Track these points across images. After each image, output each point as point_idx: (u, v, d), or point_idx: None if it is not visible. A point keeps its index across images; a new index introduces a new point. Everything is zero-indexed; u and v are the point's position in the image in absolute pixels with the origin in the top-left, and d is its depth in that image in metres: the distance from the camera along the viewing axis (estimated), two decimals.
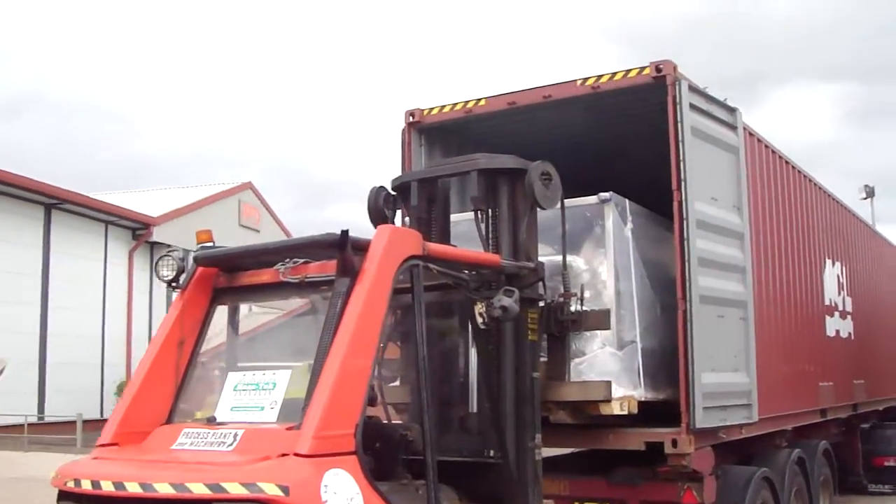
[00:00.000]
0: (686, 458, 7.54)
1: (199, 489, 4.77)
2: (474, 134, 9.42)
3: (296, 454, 4.93)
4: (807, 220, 11.34)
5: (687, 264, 7.67)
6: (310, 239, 5.71)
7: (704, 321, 7.79)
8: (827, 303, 12.11)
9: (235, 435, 5.29)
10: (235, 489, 4.72)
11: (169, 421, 5.98)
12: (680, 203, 7.71)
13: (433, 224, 7.42)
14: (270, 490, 4.71)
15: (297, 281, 5.84)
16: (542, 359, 7.43)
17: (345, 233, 5.44)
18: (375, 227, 7.37)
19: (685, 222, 7.71)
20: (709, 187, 8.17)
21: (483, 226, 7.15)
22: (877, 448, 14.97)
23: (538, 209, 7.09)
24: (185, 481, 4.83)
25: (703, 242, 7.90)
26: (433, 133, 9.38)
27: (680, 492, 7.89)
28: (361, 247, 5.60)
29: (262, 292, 6.31)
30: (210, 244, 6.33)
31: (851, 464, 14.54)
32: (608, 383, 7.41)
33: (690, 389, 7.56)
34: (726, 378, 8.18)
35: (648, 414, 7.88)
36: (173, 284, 6.34)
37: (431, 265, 5.89)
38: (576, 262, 7.95)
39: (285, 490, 4.72)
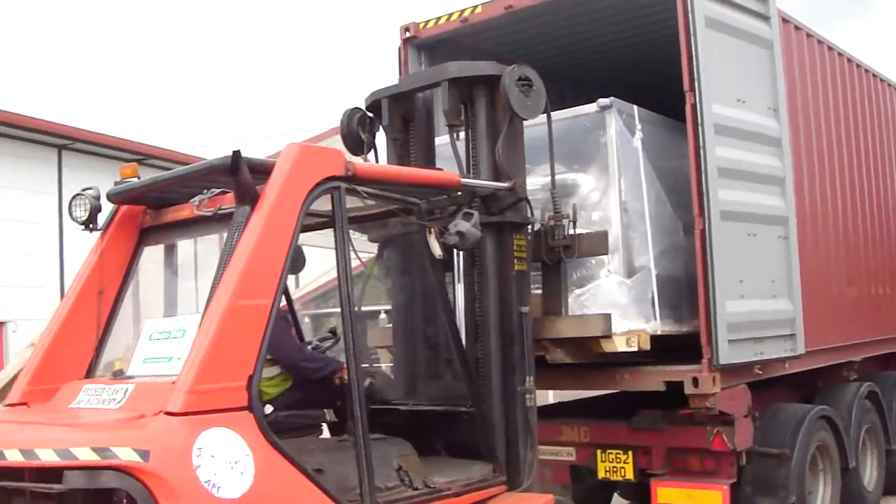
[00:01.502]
0: (710, 398, 6.53)
1: (47, 456, 4.03)
2: (475, 46, 8.36)
3: (166, 413, 4.15)
4: (878, 125, 10.05)
5: (703, 175, 6.60)
6: (207, 164, 4.86)
7: (729, 241, 6.74)
8: None
9: (126, 391, 4.55)
10: (86, 455, 3.96)
11: (88, 376, 5.27)
12: (693, 106, 6.63)
13: (411, 146, 6.57)
14: (126, 456, 3.94)
15: (211, 214, 5.02)
16: (535, 291, 6.53)
17: (236, 153, 4.58)
18: (353, 155, 6.59)
19: (700, 128, 6.62)
20: (733, 87, 7.05)
21: (464, 145, 6.31)
22: None
23: (520, 121, 6.15)
24: (36, 446, 4.09)
25: (724, 150, 6.81)
26: (433, 49, 8.39)
27: (709, 437, 6.90)
28: (266, 170, 4.74)
29: (184, 229, 5.52)
30: (134, 180, 5.53)
31: None
32: (607, 316, 6.44)
33: (711, 320, 6.54)
34: (761, 305, 7.10)
35: (679, 350, 6.89)
36: (90, 226, 5.57)
37: (360, 188, 4.98)
38: (579, 180, 7.04)
39: (144, 455, 3.94)
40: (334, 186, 4.87)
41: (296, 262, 6.18)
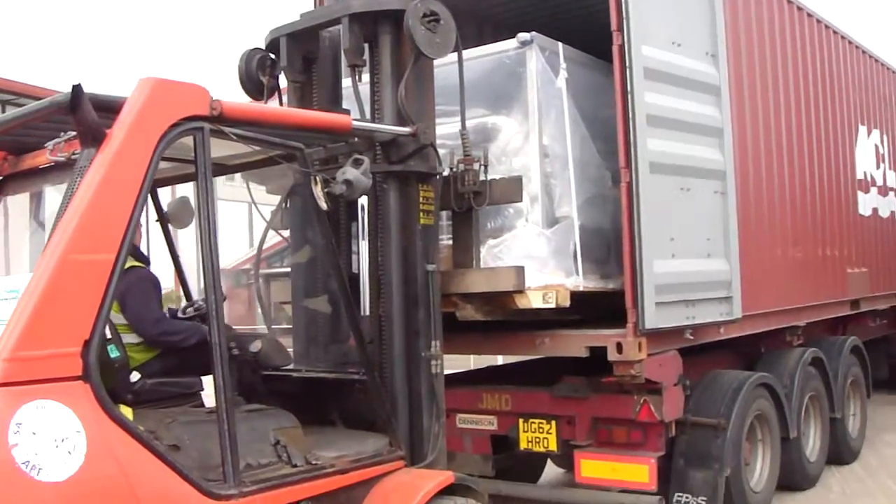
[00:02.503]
0: (636, 365, 6.01)
1: None
2: None
3: None
4: (830, 78, 9.56)
5: (631, 123, 6.04)
6: (47, 101, 4.24)
7: (658, 195, 6.21)
8: (860, 177, 10.36)
9: None
10: None
11: None
12: (621, 47, 6.06)
13: (314, 89, 5.99)
14: None
15: (64, 160, 4.40)
16: (445, 242, 6.09)
17: (76, 87, 3.97)
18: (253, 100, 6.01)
19: (628, 71, 6.04)
20: (667, 29, 6.49)
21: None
22: None
23: (428, 60, 5.59)
24: None
25: (655, 97, 6.26)
26: None
27: (636, 407, 6.40)
28: (117, 108, 4.13)
29: (45, 176, 4.91)
30: None
31: None
32: (520, 269, 5.89)
33: (638, 281, 6.01)
34: (694, 266, 6.60)
35: (616, 311, 6.34)
36: None
37: (228, 130, 4.38)
38: (499, 123, 6.50)
39: None
40: (196, 127, 4.27)
41: (180, 215, 5.65)
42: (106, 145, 3.99)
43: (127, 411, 4.28)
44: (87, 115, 3.98)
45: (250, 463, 4.40)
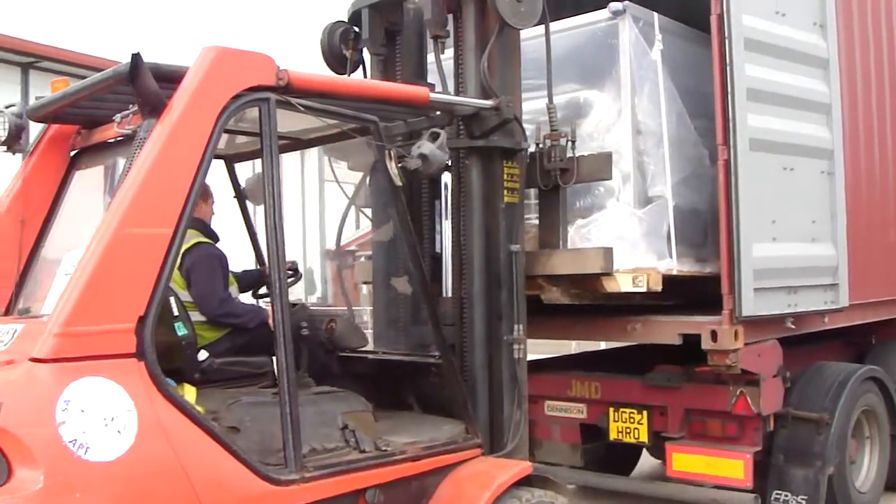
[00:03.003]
0: (731, 355, 5.69)
1: None
2: None
3: (31, 359, 3.50)
4: None
5: (730, 98, 5.69)
6: (109, 72, 4.12)
7: (759, 174, 5.86)
8: None
9: (15, 331, 3.88)
10: None
11: (7, 314, 4.65)
12: (720, 16, 5.72)
13: (398, 63, 5.82)
14: None
15: (132, 132, 4.30)
16: (533, 221, 5.85)
17: (135, 56, 3.85)
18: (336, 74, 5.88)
19: (727, 41, 5.69)
20: None
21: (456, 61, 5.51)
22: None
23: (514, 31, 5.36)
24: None
25: (757, 69, 5.89)
26: None
27: (732, 398, 6.08)
28: (179, 78, 4.01)
29: (114, 150, 4.83)
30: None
31: None
32: (608, 250, 5.59)
33: (735, 265, 5.69)
34: (797, 250, 6.23)
35: (710, 296, 6.03)
36: (13, 148, 4.91)
37: (295, 101, 4.22)
38: (591, 98, 6.24)
39: None
40: (262, 98, 4.12)
41: (258, 192, 5.51)
42: (165, 116, 3.88)
43: (190, 391, 4.20)
44: (146, 85, 3.87)
45: (315, 447, 4.25)
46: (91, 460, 3.41)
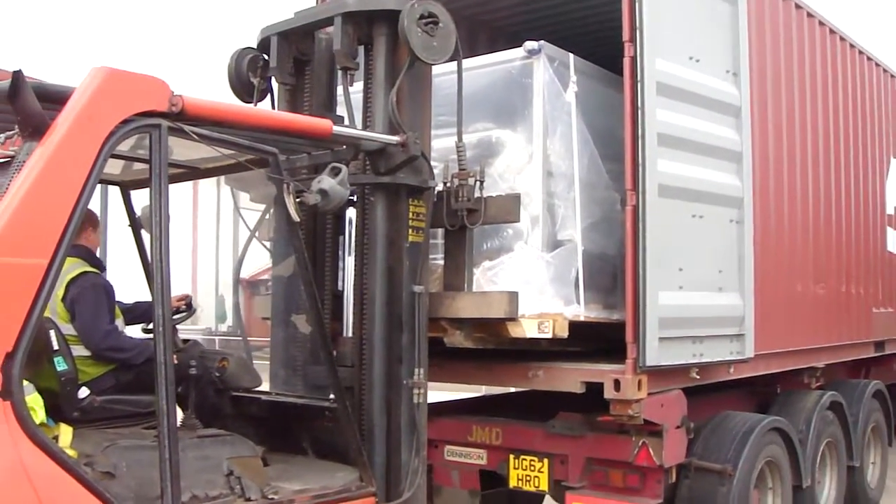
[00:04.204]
0: (634, 405, 5.58)
1: None
2: None
3: None
4: (862, 106, 9.10)
5: (640, 142, 5.61)
6: None
7: (667, 221, 5.76)
8: (890, 212, 9.87)
9: None
10: None
11: None
12: (633, 59, 5.64)
13: (307, 93, 5.64)
14: None
15: (15, 153, 4.05)
16: (438, 262, 5.75)
17: (16, 73, 3.61)
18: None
19: (639, 85, 5.62)
20: (685, 42, 6.06)
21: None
22: None
23: (425, 66, 5.25)
24: None
25: (668, 114, 5.82)
26: None
27: (634, 449, 5.94)
28: (65, 98, 3.77)
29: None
30: None
31: None
32: (513, 294, 5.44)
33: (640, 313, 5.57)
34: (704, 299, 6.14)
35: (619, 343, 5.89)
36: None
37: (189, 129, 4.01)
38: (504, 137, 6.11)
39: None
40: (153, 124, 3.90)
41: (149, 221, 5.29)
42: (47, 138, 3.63)
43: (67, 431, 3.96)
44: (27, 105, 3.65)
45: (196, 494, 4.05)
46: None
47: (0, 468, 3.30)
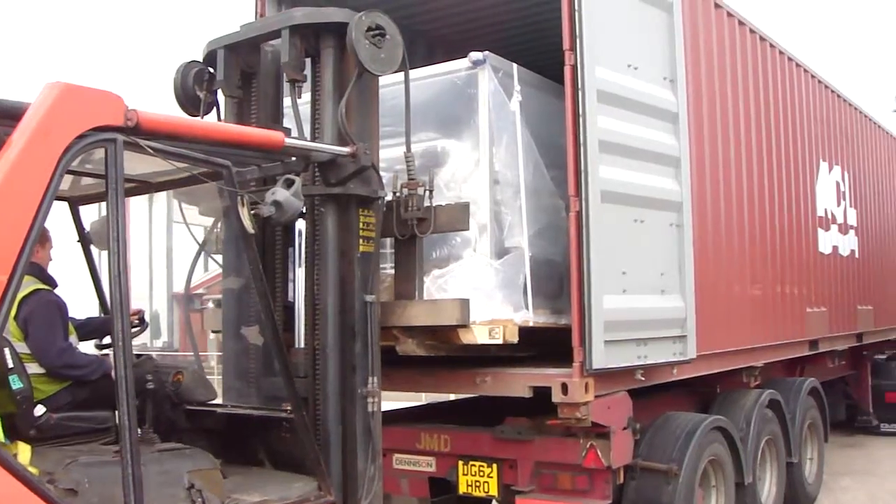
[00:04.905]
0: (582, 408, 5.68)
1: None
2: None
3: None
4: (792, 111, 9.35)
5: (582, 149, 5.73)
6: None
7: (610, 226, 5.90)
8: (821, 214, 10.11)
9: None
10: None
11: None
12: (574, 67, 5.77)
13: (254, 105, 5.66)
14: None
15: None
16: (388, 271, 5.79)
17: None
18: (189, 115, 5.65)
19: (580, 93, 5.74)
20: (623, 51, 6.22)
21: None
22: (891, 382, 13.03)
23: (373, 77, 5.29)
24: None
25: (609, 121, 5.96)
26: None
27: (582, 451, 6.05)
28: (20, 114, 3.77)
29: None
30: None
31: (860, 401, 12.75)
32: (464, 302, 5.53)
33: (586, 317, 5.69)
34: (647, 302, 6.29)
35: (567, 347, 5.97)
36: None
37: (144, 143, 4.01)
38: (449, 147, 6.22)
39: None
40: (108, 138, 3.91)
41: (103, 236, 5.25)
42: (3, 154, 3.62)
43: (25, 449, 3.94)
44: None
45: None
46: None
47: None
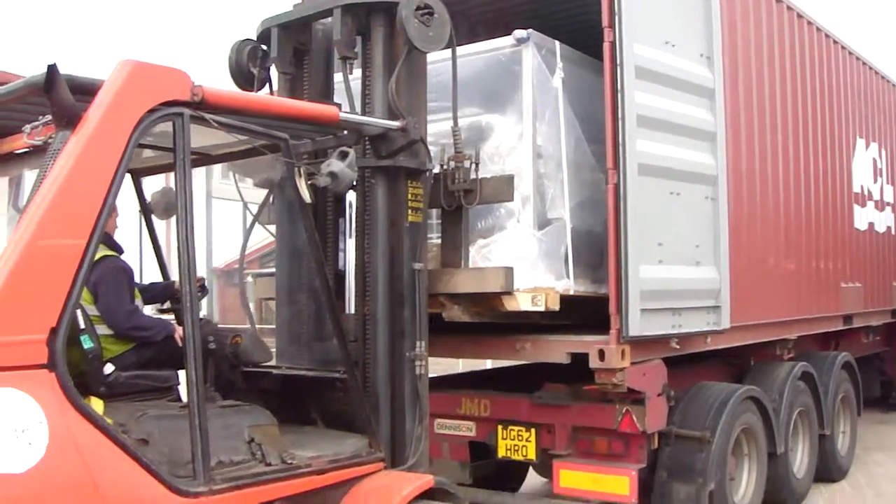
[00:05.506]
0: (618, 374, 5.90)
1: None
2: None
3: None
4: (829, 88, 9.44)
5: (620, 123, 5.93)
6: (23, 82, 4.13)
7: (647, 198, 6.11)
8: (857, 190, 10.21)
9: None
10: None
11: None
12: (612, 44, 5.95)
13: (305, 82, 5.90)
14: None
15: (42, 143, 4.29)
16: (434, 241, 6.01)
17: (51, 67, 3.86)
18: None
19: (619, 69, 5.93)
20: (661, 28, 6.40)
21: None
22: None
23: (421, 54, 5.50)
24: None
25: (646, 97, 6.15)
26: None
27: (618, 416, 6.27)
28: (95, 90, 4.02)
29: (21, 161, 4.83)
30: None
31: (894, 378, 12.82)
32: (508, 270, 5.77)
33: (623, 286, 5.90)
34: (682, 273, 6.49)
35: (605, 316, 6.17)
36: None
37: (209, 117, 4.27)
38: (493, 122, 6.41)
39: None
40: (175, 113, 4.16)
41: (163, 206, 5.53)
42: (80, 128, 3.88)
43: (98, 404, 4.19)
44: (61, 96, 3.88)
45: (223, 460, 4.29)
46: (2, 472, 3.40)
47: (51, 434, 3.55)
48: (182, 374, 4.94)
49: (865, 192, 10.48)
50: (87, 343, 4.57)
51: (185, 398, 5.07)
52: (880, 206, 11.01)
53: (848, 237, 9.88)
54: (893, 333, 12.49)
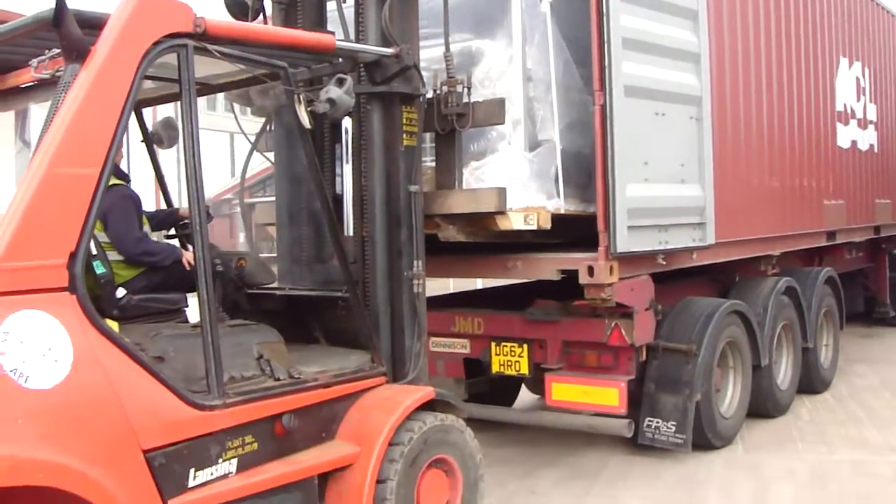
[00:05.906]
0: (606, 289, 6.14)
1: None
2: None
3: None
4: (812, 7, 9.56)
5: (606, 46, 6.10)
6: (31, 18, 4.26)
7: (633, 119, 6.29)
8: (839, 108, 10.38)
9: None
10: None
11: None
12: None
13: (299, 11, 6.01)
14: None
15: (49, 77, 4.43)
16: (429, 164, 6.18)
17: (60, 3, 3.99)
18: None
19: None
20: None
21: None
22: None
23: None
24: None
25: (631, 19, 6.31)
26: None
27: (607, 330, 6.54)
28: (102, 25, 4.16)
29: (27, 95, 4.97)
30: None
31: (877, 293, 13.08)
32: (501, 190, 5.97)
33: (610, 204, 6.13)
34: (668, 191, 6.70)
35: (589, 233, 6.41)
36: None
37: (211, 48, 4.42)
38: (483, 47, 6.54)
39: None
40: (180, 44, 4.31)
41: (165, 136, 5.66)
42: (90, 61, 4.03)
43: (113, 325, 4.39)
44: (71, 31, 4.01)
45: (234, 376, 4.51)
46: (31, 388, 3.61)
47: (75, 352, 3.76)
48: (190, 296, 5.17)
49: (848, 111, 10.64)
50: (99, 268, 4.76)
51: (192, 320, 5.31)
52: (863, 124, 11.18)
53: (831, 155, 10.06)
54: (876, 250, 12.77)
